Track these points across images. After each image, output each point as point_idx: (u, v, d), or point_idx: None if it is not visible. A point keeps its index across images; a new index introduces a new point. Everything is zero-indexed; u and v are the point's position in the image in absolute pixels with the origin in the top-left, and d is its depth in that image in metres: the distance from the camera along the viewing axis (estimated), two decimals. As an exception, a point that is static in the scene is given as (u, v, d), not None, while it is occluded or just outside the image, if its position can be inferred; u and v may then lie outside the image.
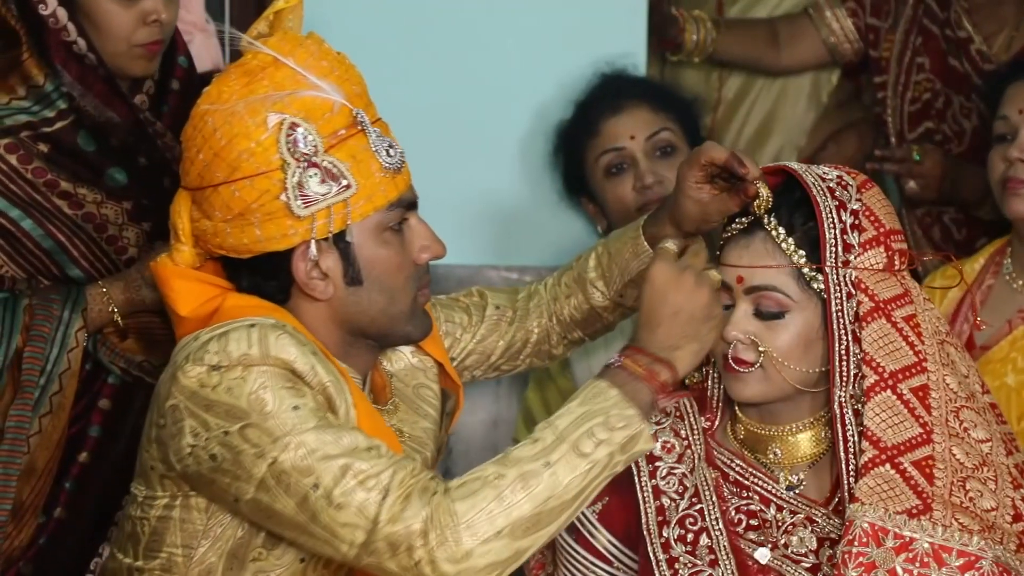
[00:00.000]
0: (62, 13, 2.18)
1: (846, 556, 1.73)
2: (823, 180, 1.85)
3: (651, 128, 2.64)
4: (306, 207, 1.76)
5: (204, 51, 2.91)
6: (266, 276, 1.82)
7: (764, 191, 1.86)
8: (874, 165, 2.99)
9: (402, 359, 1.97)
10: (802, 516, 1.85)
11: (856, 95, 3.32)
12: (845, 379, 1.81)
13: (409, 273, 1.84)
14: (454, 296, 2.10)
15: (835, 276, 1.82)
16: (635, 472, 1.88)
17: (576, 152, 2.70)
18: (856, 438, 1.80)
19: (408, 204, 1.84)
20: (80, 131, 2.21)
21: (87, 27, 2.19)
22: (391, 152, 1.81)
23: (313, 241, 1.77)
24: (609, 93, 2.69)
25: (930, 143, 3.08)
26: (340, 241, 1.79)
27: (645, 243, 2.03)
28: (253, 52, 1.80)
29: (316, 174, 1.76)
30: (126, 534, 1.84)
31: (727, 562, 1.82)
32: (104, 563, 1.94)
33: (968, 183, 2.95)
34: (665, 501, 1.86)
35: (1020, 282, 2.58)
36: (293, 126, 1.76)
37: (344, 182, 1.77)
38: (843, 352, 1.81)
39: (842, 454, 1.80)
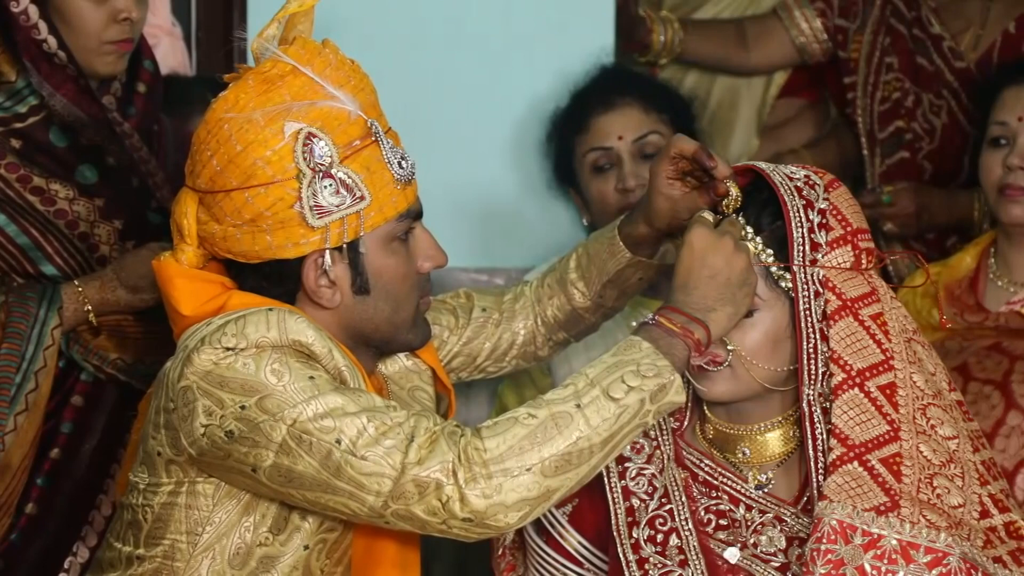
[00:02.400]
0: (33, 11, 2.20)
1: (814, 553, 1.74)
2: (790, 180, 1.86)
3: (640, 130, 2.65)
4: (320, 218, 1.77)
5: (170, 55, 2.91)
6: (273, 282, 1.82)
7: (734, 190, 1.87)
8: None
9: (397, 362, 1.98)
10: (771, 515, 1.86)
11: (805, 110, 3.33)
12: (813, 377, 1.82)
13: (413, 282, 1.86)
14: (440, 298, 2.11)
15: (803, 275, 1.83)
16: (604, 473, 1.88)
17: (567, 144, 2.71)
18: (825, 436, 1.80)
19: (415, 215, 1.86)
20: (52, 127, 2.22)
21: (58, 24, 2.21)
22: (403, 164, 1.82)
23: (327, 251, 1.78)
24: (604, 89, 2.70)
25: (901, 142, 3.09)
26: (351, 251, 1.81)
27: (621, 244, 2.04)
28: (272, 60, 1.80)
29: (331, 185, 1.77)
30: (125, 523, 1.84)
31: (697, 562, 1.82)
32: (97, 555, 1.94)
33: (950, 212, 2.97)
34: (635, 502, 1.86)
35: (1005, 279, 2.61)
36: (310, 136, 1.77)
37: (358, 193, 1.79)
38: (811, 350, 1.82)
39: (811, 452, 1.81)
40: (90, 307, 2.19)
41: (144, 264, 2.15)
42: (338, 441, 1.69)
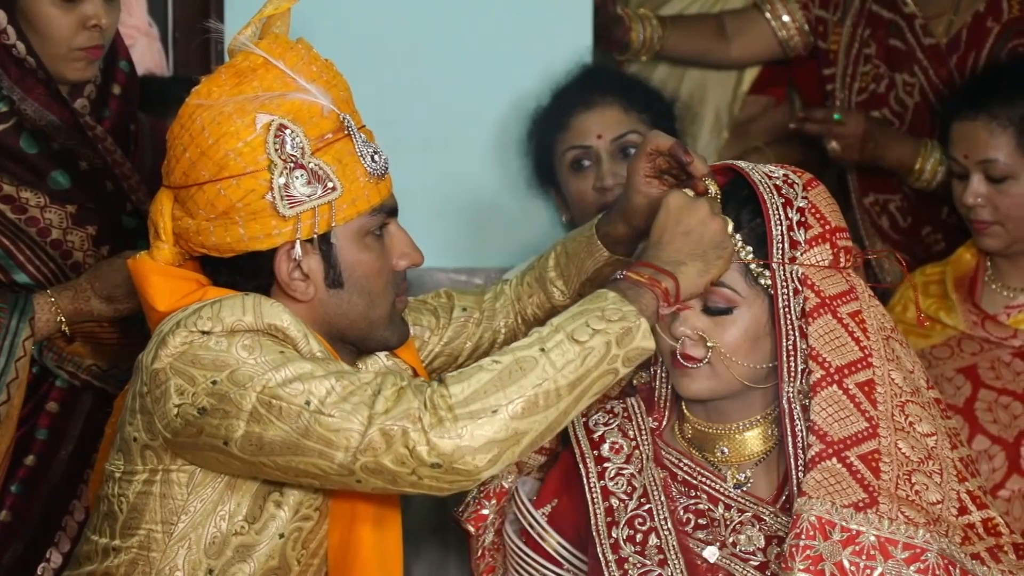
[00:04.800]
0: (1, 16, 2.18)
1: (793, 549, 1.74)
2: (770, 178, 1.87)
3: (619, 129, 2.66)
4: (291, 207, 1.78)
5: (147, 55, 2.90)
6: (247, 276, 1.83)
7: (712, 187, 1.87)
8: (796, 126, 3.02)
9: (377, 362, 1.98)
10: (750, 514, 1.86)
11: (771, 108, 3.33)
12: (793, 374, 1.83)
13: (388, 279, 1.86)
14: (421, 298, 2.11)
15: (782, 272, 1.83)
16: (584, 473, 1.89)
17: (547, 142, 2.73)
18: (804, 433, 1.81)
19: (389, 210, 1.86)
20: (22, 133, 2.21)
21: (27, 31, 2.19)
22: (376, 158, 1.83)
23: (298, 241, 1.79)
24: (584, 88, 2.71)
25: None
26: (323, 243, 1.82)
27: (599, 243, 2.04)
28: (244, 53, 1.81)
29: (302, 175, 1.78)
30: (101, 514, 1.84)
31: (676, 562, 1.83)
32: (74, 550, 1.93)
33: (893, 150, 2.99)
34: (614, 502, 1.86)
35: (999, 283, 2.63)
36: (281, 127, 1.78)
37: (330, 184, 1.79)
38: (790, 347, 1.83)
39: (790, 449, 1.82)
40: (63, 317, 2.18)
41: (119, 273, 2.14)
42: (307, 403, 1.70)
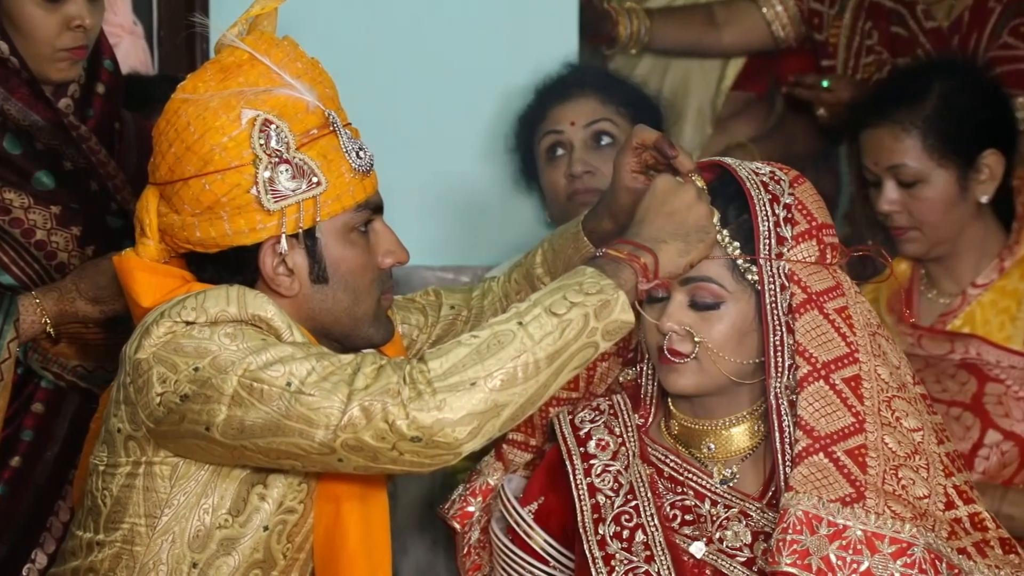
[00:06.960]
0: None
1: (780, 544, 1.75)
2: (757, 174, 1.87)
3: (592, 116, 2.67)
4: (276, 202, 1.79)
5: (132, 54, 2.90)
6: (232, 271, 1.83)
7: (699, 183, 1.87)
8: (787, 90, 3.04)
9: None
10: (736, 510, 1.86)
11: (752, 104, 3.34)
12: (779, 370, 1.83)
13: (373, 275, 1.87)
14: (410, 297, 2.12)
15: (769, 268, 1.84)
16: (570, 470, 1.89)
17: (528, 137, 2.74)
18: (792, 428, 1.81)
19: (375, 207, 1.87)
20: (6, 134, 2.21)
21: (10, 31, 2.19)
22: (361, 154, 1.84)
23: (283, 236, 1.80)
24: (563, 82, 2.73)
25: None
26: (308, 238, 1.82)
27: (586, 239, 2.04)
28: (230, 49, 1.82)
29: (287, 170, 1.79)
30: (86, 509, 1.85)
31: (663, 558, 1.83)
32: (60, 547, 1.94)
33: None
34: (600, 499, 1.87)
35: (934, 291, 2.63)
36: (266, 123, 1.78)
37: (315, 179, 1.80)
38: (777, 343, 1.83)
39: (777, 444, 1.82)
40: (48, 319, 2.17)
41: (104, 274, 2.14)
42: (288, 384, 1.71)
